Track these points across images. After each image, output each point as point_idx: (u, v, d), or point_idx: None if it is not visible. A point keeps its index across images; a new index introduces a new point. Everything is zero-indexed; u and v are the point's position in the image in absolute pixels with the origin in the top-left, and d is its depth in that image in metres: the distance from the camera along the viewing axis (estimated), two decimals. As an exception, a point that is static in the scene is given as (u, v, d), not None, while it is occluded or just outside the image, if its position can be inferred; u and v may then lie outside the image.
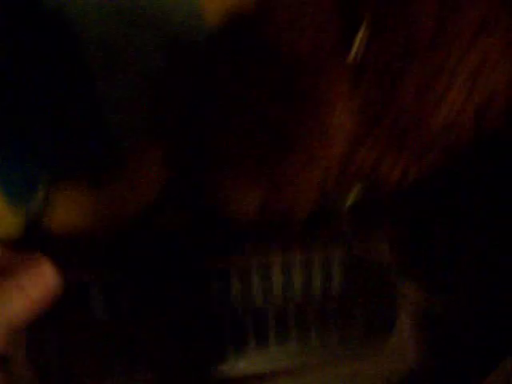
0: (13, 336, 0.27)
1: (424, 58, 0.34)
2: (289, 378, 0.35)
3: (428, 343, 0.43)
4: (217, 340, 0.34)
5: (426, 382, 0.38)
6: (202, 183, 0.36)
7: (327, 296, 0.36)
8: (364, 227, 0.39)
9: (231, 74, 0.34)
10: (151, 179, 0.39)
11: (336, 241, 0.37)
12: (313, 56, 0.34)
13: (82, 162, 0.37)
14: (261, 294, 0.34)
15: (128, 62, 0.34)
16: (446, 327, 0.41)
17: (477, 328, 0.40)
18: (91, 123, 0.34)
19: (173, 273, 0.34)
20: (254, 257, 0.36)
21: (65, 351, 0.32)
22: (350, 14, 0.35)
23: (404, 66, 0.35)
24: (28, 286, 0.26)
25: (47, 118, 0.33)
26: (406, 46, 0.34)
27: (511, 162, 0.38)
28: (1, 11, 0.31)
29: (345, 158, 0.38)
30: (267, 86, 0.34)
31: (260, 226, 0.37)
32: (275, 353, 0.35)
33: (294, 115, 0.35)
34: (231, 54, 0.34)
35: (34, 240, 0.36)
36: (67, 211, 0.37)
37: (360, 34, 0.35)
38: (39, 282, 0.27)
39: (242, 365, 0.34)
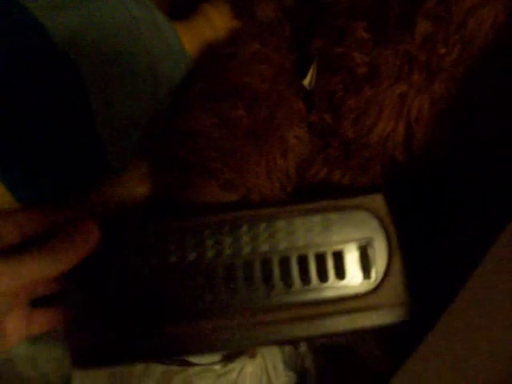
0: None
1: (359, 89, 0.41)
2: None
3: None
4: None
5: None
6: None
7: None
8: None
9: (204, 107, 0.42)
10: (138, 196, 0.45)
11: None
12: (272, 86, 0.43)
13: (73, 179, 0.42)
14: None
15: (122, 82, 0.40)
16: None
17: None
18: (84, 140, 0.40)
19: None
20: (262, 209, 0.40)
21: (106, 296, 0.37)
22: (301, 52, 0.43)
23: (344, 95, 0.42)
24: (77, 243, 0.34)
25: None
26: (346, 78, 0.42)
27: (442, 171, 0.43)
28: None
29: (302, 167, 0.46)
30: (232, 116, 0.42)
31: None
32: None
33: (258, 137, 0.42)
34: (202, 93, 0.43)
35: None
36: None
37: (313, 64, 0.43)
38: (87, 239, 0.35)
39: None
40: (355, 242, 0.38)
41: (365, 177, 0.44)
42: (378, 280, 0.38)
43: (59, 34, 0.37)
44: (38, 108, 0.38)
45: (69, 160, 0.40)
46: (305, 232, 0.38)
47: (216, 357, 0.50)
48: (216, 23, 0.46)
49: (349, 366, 0.51)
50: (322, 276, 0.38)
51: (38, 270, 0.32)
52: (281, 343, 0.50)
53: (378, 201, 0.39)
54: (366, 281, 0.38)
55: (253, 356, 0.51)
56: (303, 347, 0.53)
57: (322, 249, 0.38)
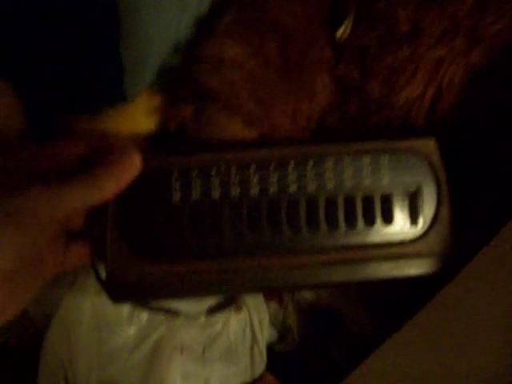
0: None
1: (397, 48, 0.40)
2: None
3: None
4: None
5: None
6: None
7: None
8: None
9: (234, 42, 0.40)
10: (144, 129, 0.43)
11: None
12: (304, 28, 0.41)
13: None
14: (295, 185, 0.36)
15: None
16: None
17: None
18: (104, 57, 0.38)
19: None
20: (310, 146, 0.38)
21: (146, 230, 0.36)
22: (339, 2, 0.42)
23: (379, 51, 0.41)
24: (120, 170, 0.33)
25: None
26: (385, 34, 0.41)
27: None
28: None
29: (322, 115, 0.44)
30: (265, 50, 0.40)
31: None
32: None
33: (288, 75, 0.41)
34: (235, 23, 0.40)
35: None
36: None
37: (349, 16, 0.42)
38: (128, 168, 0.33)
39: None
40: (404, 187, 0.37)
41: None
42: (425, 227, 0.37)
43: None
44: (66, 15, 0.34)
45: (85, 75, 0.38)
46: (353, 173, 0.37)
47: (202, 308, 0.49)
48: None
49: (331, 328, 0.52)
50: (369, 220, 0.37)
51: (79, 197, 0.31)
52: (320, 286, 0.48)
53: (430, 145, 0.38)
54: (413, 227, 0.37)
55: (238, 309, 0.50)
56: (289, 305, 0.52)
57: (370, 191, 0.37)
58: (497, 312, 0.34)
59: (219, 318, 0.49)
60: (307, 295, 0.52)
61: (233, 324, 0.49)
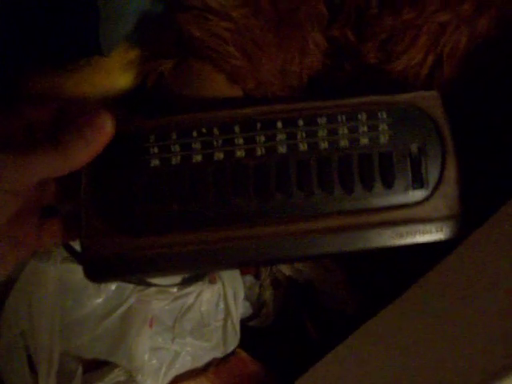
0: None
1: (398, 10, 0.37)
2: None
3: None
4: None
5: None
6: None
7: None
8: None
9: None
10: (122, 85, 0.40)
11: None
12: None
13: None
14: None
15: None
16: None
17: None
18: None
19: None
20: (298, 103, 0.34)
21: (122, 195, 0.32)
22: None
23: (379, 12, 0.38)
24: (90, 135, 0.30)
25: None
26: (385, -6, 0.38)
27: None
28: None
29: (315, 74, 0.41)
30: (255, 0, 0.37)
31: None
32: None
33: (279, 28, 0.37)
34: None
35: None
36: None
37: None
38: (99, 132, 0.30)
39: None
40: (405, 145, 0.34)
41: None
42: (430, 189, 0.33)
43: None
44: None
45: (61, 25, 0.35)
46: (348, 131, 0.33)
47: (175, 278, 0.46)
48: None
49: (308, 303, 0.50)
50: (367, 182, 0.33)
51: (47, 166, 0.29)
52: (315, 258, 0.44)
53: (433, 98, 0.34)
54: (417, 189, 0.33)
55: (213, 281, 0.47)
56: (266, 279, 0.50)
57: (367, 151, 0.33)
58: (490, 293, 0.32)
59: (192, 290, 0.47)
60: (285, 269, 0.50)
61: (206, 296, 0.47)
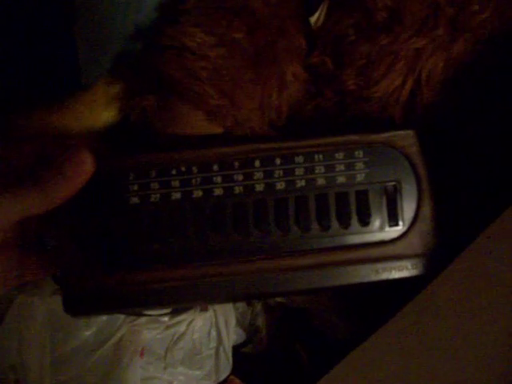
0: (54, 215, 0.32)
1: (374, 37, 0.38)
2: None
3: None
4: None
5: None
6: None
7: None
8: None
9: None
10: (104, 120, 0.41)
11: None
12: (275, 14, 0.38)
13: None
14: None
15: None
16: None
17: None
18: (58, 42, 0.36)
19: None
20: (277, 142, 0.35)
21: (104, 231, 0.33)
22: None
23: (355, 40, 0.38)
24: (69, 173, 0.30)
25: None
26: (361, 22, 0.38)
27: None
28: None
29: (296, 106, 0.42)
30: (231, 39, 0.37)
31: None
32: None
33: (256, 64, 0.38)
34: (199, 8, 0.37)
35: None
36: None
37: (325, 1, 0.39)
38: (79, 169, 0.31)
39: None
40: (382, 184, 0.34)
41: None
42: (406, 226, 0.34)
43: None
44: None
45: (39, 61, 0.35)
46: (325, 170, 0.34)
47: (166, 307, 0.46)
48: None
49: (302, 329, 0.49)
50: (344, 220, 0.34)
51: (27, 204, 0.29)
52: (292, 294, 0.45)
53: (409, 138, 0.35)
54: (393, 227, 0.34)
55: (204, 309, 0.47)
56: (258, 305, 0.50)
57: (344, 189, 0.34)
58: (478, 317, 0.32)
59: (184, 318, 0.47)
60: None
61: (197, 324, 0.47)
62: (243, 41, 0.37)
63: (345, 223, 0.34)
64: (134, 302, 0.33)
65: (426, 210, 0.34)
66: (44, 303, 0.42)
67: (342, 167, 0.34)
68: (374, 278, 0.34)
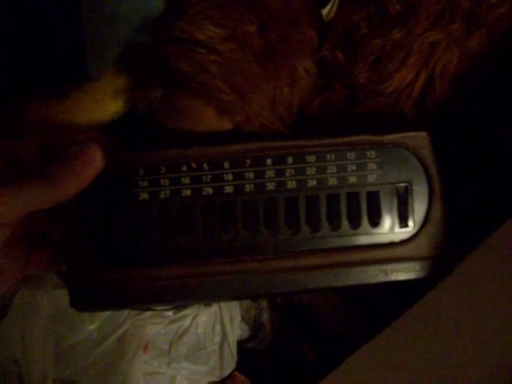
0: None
1: (387, 30, 0.37)
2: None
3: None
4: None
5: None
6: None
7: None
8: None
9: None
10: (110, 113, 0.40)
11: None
12: (286, 7, 0.37)
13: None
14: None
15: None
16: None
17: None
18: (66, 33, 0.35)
19: None
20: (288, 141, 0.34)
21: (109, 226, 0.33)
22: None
23: (368, 33, 0.37)
24: (78, 168, 0.30)
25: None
26: (375, 15, 0.37)
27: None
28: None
29: (304, 102, 0.41)
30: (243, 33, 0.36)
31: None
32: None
33: (268, 60, 0.37)
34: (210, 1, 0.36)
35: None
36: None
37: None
38: (88, 165, 0.30)
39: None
40: (393, 184, 0.34)
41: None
42: (416, 228, 0.34)
43: None
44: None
45: (46, 53, 0.35)
46: (337, 170, 0.33)
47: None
48: None
49: (307, 326, 0.49)
50: (354, 220, 0.33)
51: (36, 199, 0.29)
52: (301, 293, 0.45)
53: (421, 139, 0.34)
54: (403, 229, 0.34)
55: (208, 304, 0.47)
56: (263, 301, 0.49)
57: (355, 189, 0.33)
58: (486, 316, 0.31)
59: (188, 313, 0.46)
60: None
61: (202, 319, 0.47)
62: (254, 35, 0.36)
63: (355, 224, 0.33)
64: (140, 299, 0.32)
65: (437, 212, 0.34)
66: (47, 296, 0.42)
67: (354, 167, 0.33)
68: (383, 279, 0.33)
